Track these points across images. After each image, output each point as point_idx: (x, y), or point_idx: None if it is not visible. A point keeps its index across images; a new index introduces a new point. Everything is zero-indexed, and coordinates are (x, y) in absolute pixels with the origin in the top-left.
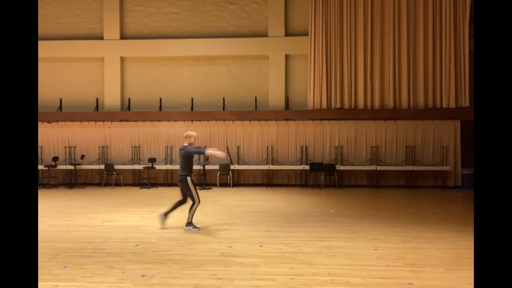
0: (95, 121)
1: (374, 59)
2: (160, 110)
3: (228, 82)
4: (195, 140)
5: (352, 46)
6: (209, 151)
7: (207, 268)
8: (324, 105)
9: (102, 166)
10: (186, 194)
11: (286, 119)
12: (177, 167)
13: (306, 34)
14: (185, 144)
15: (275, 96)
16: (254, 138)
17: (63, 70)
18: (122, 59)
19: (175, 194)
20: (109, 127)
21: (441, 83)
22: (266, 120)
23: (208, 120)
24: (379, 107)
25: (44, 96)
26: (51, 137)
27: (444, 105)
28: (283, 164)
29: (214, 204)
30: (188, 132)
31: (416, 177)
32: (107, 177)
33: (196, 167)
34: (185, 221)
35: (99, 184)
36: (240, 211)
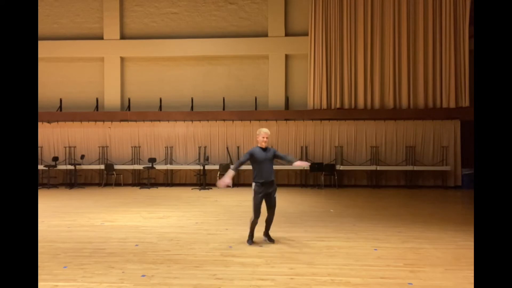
0: (95, 121)
1: (374, 59)
2: (160, 110)
3: (228, 82)
4: (263, 138)
5: (352, 46)
6: None
7: (207, 268)
8: (324, 105)
9: (102, 166)
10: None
11: (286, 119)
12: (178, 167)
13: (306, 34)
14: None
15: (275, 96)
16: (254, 138)
17: (63, 70)
18: (122, 59)
19: (175, 194)
20: (109, 127)
21: (441, 83)
22: (266, 120)
23: (208, 120)
24: (379, 107)
25: (44, 96)
26: (51, 137)
27: (444, 105)
28: (283, 164)
29: (214, 204)
30: (259, 129)
31: (416, 177)
32: (107, 177)
33: (196, 167)
34: (187, 221)
35: (99, 184)
36: (240, 211)
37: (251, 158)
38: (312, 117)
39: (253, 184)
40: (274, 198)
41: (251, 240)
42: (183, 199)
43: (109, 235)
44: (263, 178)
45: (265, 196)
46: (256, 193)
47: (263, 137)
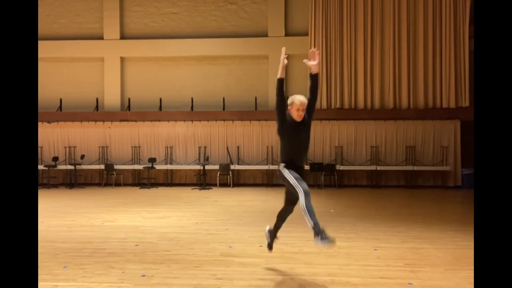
0: (95, 121)
1: (374, 59)
2: (160, 110)
3: (228, 82)
4: (297, 110)
5: (352, 46)
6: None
7: (207, 268)
8: (324, 105)
9: (102, 166)
10: (291, 194)
11: None
12: (178, 167)
13: (306, 34)
14: None
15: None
16: (254, 138)
17: (63, 70)
18: (122, 59)
19: (175, 194)
20: (109, 127)
21: (441, 83)
22: (266, 120)
23: (208, 120)
24: (379, 107)
25: (44, 96)
26: (51, 137)
27: (444, 105)
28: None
29: (214, 204)
30: (292, 97)
31: (416, 177)
32: (107, 177)
33: (196, 167)
34: (187, 221)
35: (99, 184)
36: (240, 211)
37: (285, 119)
38: None
39: (281, 165)
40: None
41: (324, 234)
42: (183, 199)
43: (109, 235)
44: (292, 157)
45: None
46: (288, 168)
47: (298, 109)
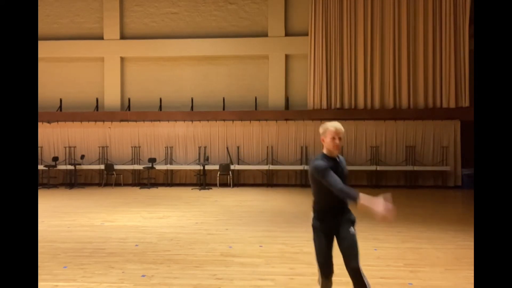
0: (95, 121)
1: (374, 59)
2: (160, 110)
3: (228, 82)
4: (332, 139)
5: (352, 46)
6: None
7: (207, 268)
8: (324, 105)
9: (102, 166)
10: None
11: (286, 119)
12: (178, 167)
13: (306, 34)
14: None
15: (275, 96)
16: (254, 138)
17: (63, 70)
18: (122, 59)
19: (175, 194)
20: (109, 127)
21: (441, 83)
22: (266, 120)
23: (208, 120)
24: (379, 107)
25: (44, 96)
26: (51, 137)
27: (444, 105)
28: (283, 164)
29: (214, 204)
30: (323, 125)
31: (416, 177)
32: (107, 177)
33: (196, 167)
34: (187, 221)
35: (99, 184)
36: (240, 211)
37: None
38: (312, 117)
39: (312, 217)
40: (352, 235)
41: None
42: (183, 199)
43: (109, 235)
44: (328, 205)
45: (334, 232)
46: (315, 230)
47: (333, 138)
